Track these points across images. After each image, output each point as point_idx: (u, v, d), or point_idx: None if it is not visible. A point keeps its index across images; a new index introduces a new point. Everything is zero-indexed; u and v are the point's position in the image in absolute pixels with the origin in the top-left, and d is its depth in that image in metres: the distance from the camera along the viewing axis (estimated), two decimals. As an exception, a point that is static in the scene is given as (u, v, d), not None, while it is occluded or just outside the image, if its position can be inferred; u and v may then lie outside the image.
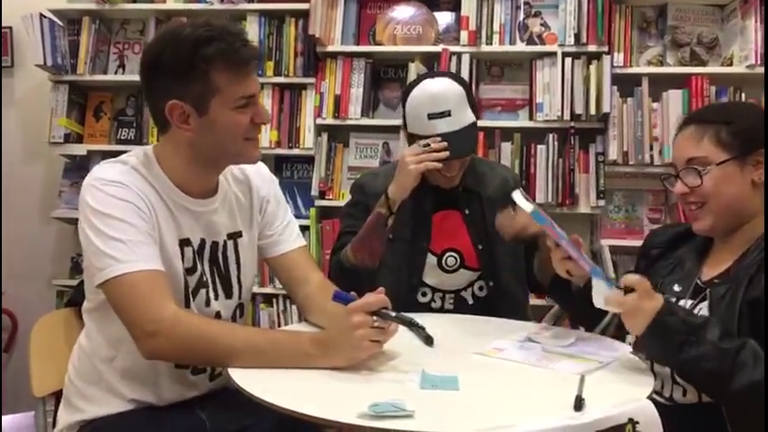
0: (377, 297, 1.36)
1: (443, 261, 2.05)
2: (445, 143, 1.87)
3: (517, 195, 1.47)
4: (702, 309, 1.50)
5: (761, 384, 1.27)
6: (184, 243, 1.50)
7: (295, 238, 1.73)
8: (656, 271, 1.67)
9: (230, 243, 1.60)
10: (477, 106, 2.05)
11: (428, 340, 1.54)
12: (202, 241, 1.54)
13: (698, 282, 1.56)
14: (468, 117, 1.94)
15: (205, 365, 1.53)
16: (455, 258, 2.05)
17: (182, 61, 1.38)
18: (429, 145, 1.86)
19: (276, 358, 1.34)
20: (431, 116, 1.90)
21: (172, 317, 1.34)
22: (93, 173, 1.44)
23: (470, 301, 2.05)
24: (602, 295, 1.42)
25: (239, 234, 1.62)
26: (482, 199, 2.06)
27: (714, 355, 1.30)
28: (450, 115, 1.90)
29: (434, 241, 2.05)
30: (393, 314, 1.37)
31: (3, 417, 2.14)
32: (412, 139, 1.99)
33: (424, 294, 2.07)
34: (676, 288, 1.58)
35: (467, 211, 2.06)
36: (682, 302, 1.53)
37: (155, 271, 1.37)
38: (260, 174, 1.70)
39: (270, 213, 1.71)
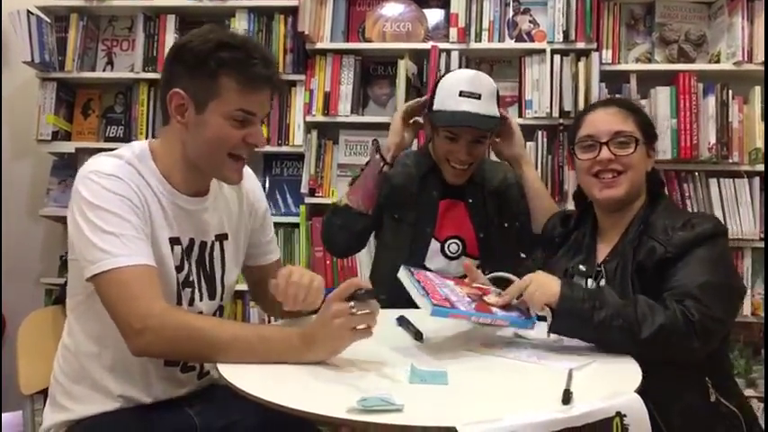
0: (348, 281, 1.37)
1: (446, 247, 2.13)
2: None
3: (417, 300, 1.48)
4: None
5: (663, 327, 1.43)
6: (174, 241, 1.50)
7: (276, 250, 1.80)
8: (559, 256, 1.86)
9: (217, 244, 1.60)
10: (501, 113, 2.11)
11: (417, 335, 1.54)
12: (191, 241, 1.54)
13: (597, 265, 1.75)
14: (495, 111, 2.04)
15: (194, 361, 1.53)
16: (457, 245, 2.13)
17: (198, 56, 1.41)
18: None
19: (264, 353, 1.33)
20: (462, 93, 1.99)
21: (160, 313, 1.33)
22: (89, 165, 1.44)
23: None
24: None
25: (225, 236, 1.62)
26: (484, 191, 2.16)
27: (620, 312, 1.45)
28: (479, 99, 1.99)
29: (439, 228, 2.13)
30: (364, 292, 1.34)
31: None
32: (432, 121, 2.05)
33: None
34: (582, 267, 1.77)
35: (470, 201, 2.15)
36: (589, 282, 1.73)
37: (146, 266, 1.37)
38: (251, 182, 1.70)
39: (260, 222, 1.73)
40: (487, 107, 2.00)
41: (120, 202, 1.39)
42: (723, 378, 1.64)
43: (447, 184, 2.13)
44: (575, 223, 1.89)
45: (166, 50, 2.91)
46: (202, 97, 1.42)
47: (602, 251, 1.77)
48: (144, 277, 1.36)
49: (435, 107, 2.03)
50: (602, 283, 1.69)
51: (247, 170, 1.65)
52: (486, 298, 1.54)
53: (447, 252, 2.13)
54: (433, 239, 2.12)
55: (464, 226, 2.14)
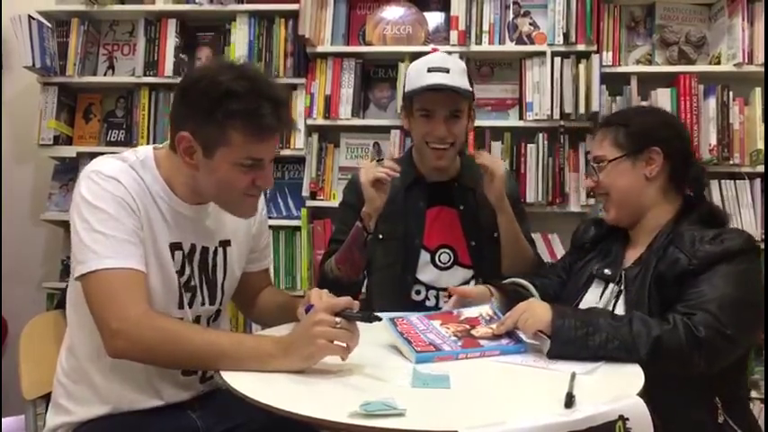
0: (343, 298, 1.37)
1: (437, 257, 2.08)
2: (397, 166, 1.94)
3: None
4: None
5: (659, 340, 1.41)
6: (175, 247, 1.51)
7: (267, 258, 1.84)
8: (587, 260, 1.85)
9: (220, 250, 1.61)
10: (473, 94, 2.10)
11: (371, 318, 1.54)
12: (193, 246, 1.55)
13: (623, 271, 1.72)
14: (466, 84, 2.02)
15: (170, 367, 1.51)
16: (449, 255, 2.08)
17: (206, 103, 1.40)
18: (382, 160, 1.88)
19: (238, 359, 1.32)
20: (430, 69, 1.99)
21: (137, 317, 1.33)
22: (93, 165, 1.45)
23: None
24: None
25: (228, 243, 1.64)
26: (476, 196, 2.09)
27: (615, 334, 1.43)
28: (448, 72, 1.98)
29: (428, 237, 2.08)
30: (356, 312, 1.34)
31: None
32: (408, 108, 2.06)
33: (417, 292, 2.08)
34: (607, 272, 1.75)
35: (461, 207, 2.09)
36: (611, 286, 1.72)
37: (133, 270, 1.37)
38: None
39: (259, 228, 1.75)
40: (458, 80, 1.99)
41: (116, 205, 1.40)
42: (735, 399, 1.60)
43: (434, 188, 2.10)
44: (607, 229, 1.86)
45: (168, 54, 2.99)
46: (211, 143, 1.42)
47: (630, 257, 1.74)
48: (128, 280, 1.36)
49: (407, 90, 2.04)
50: (622, 288, 1.68)
51: None
52: (474, 331, 1.54)
53: (438, 262, 2.08)
54: (422, 250, 2.08)
55: (455, 234, 2.09)
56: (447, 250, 2.08)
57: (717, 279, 1.51)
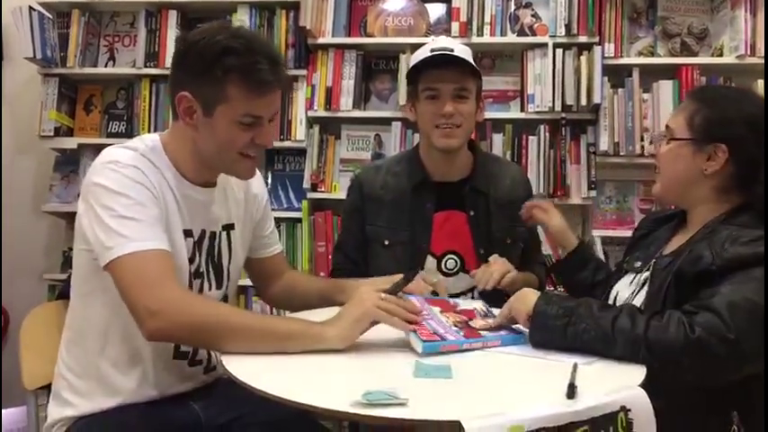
0: (384, 277, 1.51)
1: (443, 263, 2.01)
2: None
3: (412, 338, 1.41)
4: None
5: (643, 337, 1.30)
6: (187, 233, 1.52)
7: (278, 242, 1.84)
8: (633, 249, 1.76)
9: (224, 234, 1.62)
10: (480, 77, 2.04)
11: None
12: (203, 232, 1.56)
13: (659, 256, 1.61)
14: (472, 61, 1.96)
15: (205, 347, 1.53)
16: (455, 261, 2.01)
17: (204, 62, 1.40)
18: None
19: (287, 336, 1.34)
20: (433, 49, 1.94)
21: (177, 297, 1.34)
22: (106, 156, 1.45)
23: None
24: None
25: (232, 226, 1.65)
26: (489, 200, 2.02)
27: (593, 325, 1.35)
28: (452, 52, 1.93)
29: (435, 242, 2.00)
30: (400, 281, 1.45)
31: (-5, 411, 2.13)
32: (413, 94, 1.99)
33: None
34: (637, 264, 1.65)
35: (472, 213, 2.01)
36: (638, 276, 1.61)
37: (164, 251, 1.38)
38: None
39: (262, 212, 1.75)
40: (463, 55, 1.95)
41: (141, 190, 1.41)
42: (752, 413, 1.44)
43: (442, 192, 2.01)
44: (658, 221, 1.77)
45: (169, 46, 2.99)
46: (210, 101, 1.43)
47: (672, 247, 1.61)
48: (162, 262, 1.37)
49: (410, 66, 2.00)
50: (646, 276, 1.58)
51: None
52: (471, 323, 1.54)
53: (444, 268, 2.00)
54: (429, 255, 1.99)
55: (463, 240, 2.00)
56: (454, 256, 2.00)
57: (738, 282, 1.34)
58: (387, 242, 2.01)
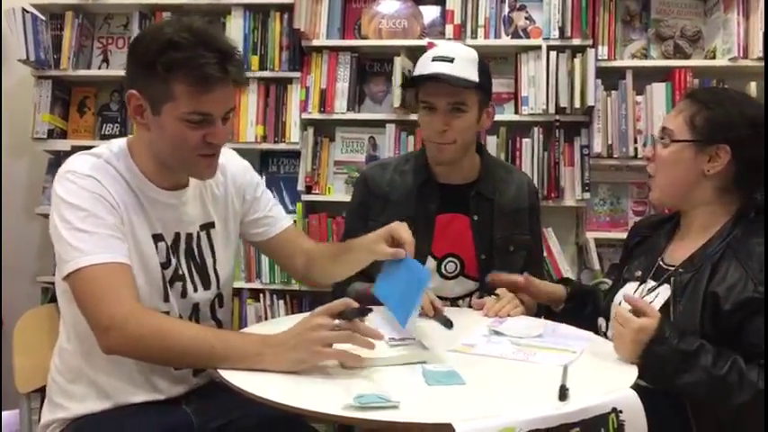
0: (340, 300, 1.34)
1: (443, 266, 2.00)
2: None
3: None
4: (661, 292, 1.55)
5: (747, 408, 1.33)
6: (157, 238, 1.50)
7: (284, 217, 1.78)
8: (630, 259, 1.74)
9: (203, 234, 1.60)
10: (490, 85, 2.01)
11: (448, 323, 1.59)
12: (177, 235, 1.54)
13: (660, 263, 1.60)
14: (471, 75, 1.90)
15: (160, 363, 1.48)
16: (455, 264, 2.00)
17: (149, 57, 1.36)
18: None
19: (224, 356, 1.30)
20: (435, 59, 1.91)
21: (125, 312, 1.32)
22: (66, 165, 1.45)
23: None
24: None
25: (212, 225, 1.62)
26: (494, 206, 2.01)
27: (707, 381, 1.34)
28: (452, 62, 1.89)
29: (436, 244, 1.99)
30: (356, 308, 1.32)
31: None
32: (411, 93, 1.97)
33: None
34: (638, 273, 1.64)
35: (476, 218, 2.00)
36: (643, 286, 1.60)
37: (119, 264, 1.37)
38: (234, 163, 1.69)
39: (252, 199, 1.71)
40: (461, 70, 1.88)
41: (95, 201, 1.39)
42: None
43: (447, 194, 2.00)
44: (653, 226, 1.75)
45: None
46: (156, 99, 1.39)
47: (677, 254, 1.60)
48: (115, 275, 1.35)
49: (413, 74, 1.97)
50: (665, 288, 1.55)
51: (228, 152, 1.64)
52: None
53: (443, 271, 2.00)
54: (429, 257, 1.97)
55: (465, 244, 1.99)
56: (454, 259, 1.99)
57: None
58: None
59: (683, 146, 1.55)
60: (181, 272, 1.54)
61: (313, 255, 1.76)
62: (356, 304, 1.34)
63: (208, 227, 1.61)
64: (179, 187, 1.55)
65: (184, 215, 1.56)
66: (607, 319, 1.72)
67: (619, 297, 1.67)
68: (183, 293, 1.54)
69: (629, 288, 1.66)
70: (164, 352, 1.34)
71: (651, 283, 1.59)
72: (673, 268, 1.57)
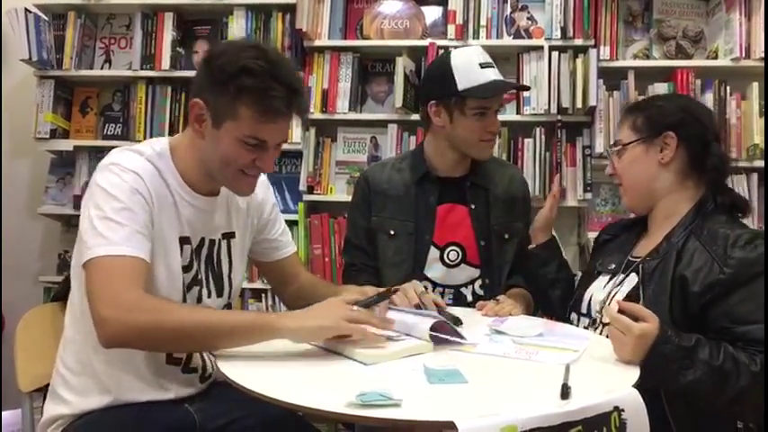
0: (356, 287, 1.49)
1: (446, 255, 2.07)
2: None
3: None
4: (627, 281, 1.66)
5: (745, 392, 1.40)
6: (184, 241, 1.52)
7: (291, 243, 1.84)
8: (602, 253, 1.86)
9: (224, 242, 1.62)
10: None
11: (456, 321, 1.59)
12: (201, 240, 1.56)
13: (629, 257, 1.73)
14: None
15: (164, 350, 1.49)
16: (457, 252, 2.07)
17: (222, 75, 1.41)
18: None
19: (232, 331, 1.33)
20: (482, 65, 1.98)
21: (128, 302, 1.30)
22: (110, 157, 1.47)
23: (469, 299, 2.06)
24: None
25: (233, 235, 1.65)
26: (489, 195, 2.09)
27: (708, 375, 1.40)
28: (494, 67, 2.01)
29: (438, 233, 2.06)
30: (369, 297, 1.45)
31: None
32: (457, 105, 1.97)
33: (425, 289, 2.06)
34: (611, 266, 1.76)
35: (473, 206, 2.08)
36: (615, 278, 1.71)
37: (137, 259, 1.37)
38: (258, 179, 1.71)
39: (267, 218, 1.76)
40: (500, 72, 2.04)
41: (132, 196, 1.41)
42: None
43: (445, 185, 2.08)
44: (625, 226, 1.88)
45: (164, 48, 3.00)
46: (220, 114, 1.43)
47: (644, 246, 1.72)
48: (130, 268, 1.35)
49: (461, 88, 1.94)
50: (632, 277, 1.65)
51: None
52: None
53: (446, 260, 2.06)
54: (432, 246, 2.06)
55: (465, 232, 2.07)
56: (456, 248, 2.06)
57: (755, 299, 1.46)
58: (392, 232, 2.07)
59: (634, 146, 1.73)
60: (199, 276, 1.55)
61: (305, 286, 1.82)
62: (372, 292, 1.45)
63: (229, 236, 1.64)
64: (212, 194, 1.58)
65: (212, 222, 1.58)
66: (579, 314, 1.80)
67: (591, 290, 1.76)
68: (199, 299, 1.55)
69: (600, 282, 1.77)
70: (168, 337, 1.33)
71: (621, 276, 1.70)
72: (639, 259, 1.68)
